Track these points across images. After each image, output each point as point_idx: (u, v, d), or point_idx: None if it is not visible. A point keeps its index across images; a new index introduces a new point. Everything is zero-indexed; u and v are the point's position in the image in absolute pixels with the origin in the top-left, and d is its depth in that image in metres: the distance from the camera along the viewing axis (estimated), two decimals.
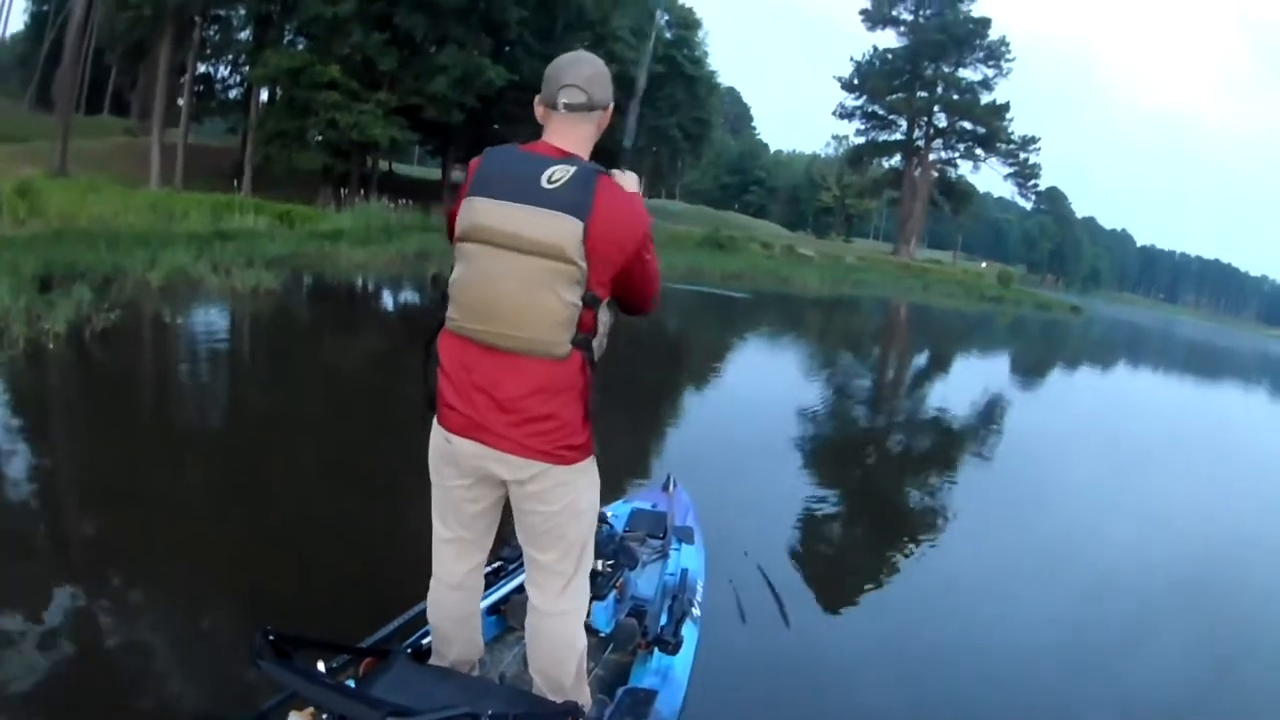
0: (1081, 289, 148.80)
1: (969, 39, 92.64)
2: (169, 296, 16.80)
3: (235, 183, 40.65)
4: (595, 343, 3.55)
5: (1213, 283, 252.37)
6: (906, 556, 9.01)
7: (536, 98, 3.64)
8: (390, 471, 8.43)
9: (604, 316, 3.57)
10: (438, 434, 3.74)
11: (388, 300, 23.77)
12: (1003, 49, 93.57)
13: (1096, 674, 6.70)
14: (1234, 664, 7.34)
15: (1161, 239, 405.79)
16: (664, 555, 5.81)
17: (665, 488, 7.11)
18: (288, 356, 15.07)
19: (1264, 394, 39.86)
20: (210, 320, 16.40)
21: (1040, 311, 69.24)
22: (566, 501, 3.70)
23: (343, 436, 10.15)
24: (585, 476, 3.74)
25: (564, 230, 3.31)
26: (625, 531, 5.96)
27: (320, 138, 44.99)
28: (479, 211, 3.43)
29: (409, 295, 25.38)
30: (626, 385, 12.41)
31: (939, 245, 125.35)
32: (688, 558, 6.04)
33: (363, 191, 45.57)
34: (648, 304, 3.84)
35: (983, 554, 9.44)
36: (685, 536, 6.33)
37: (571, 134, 3.60)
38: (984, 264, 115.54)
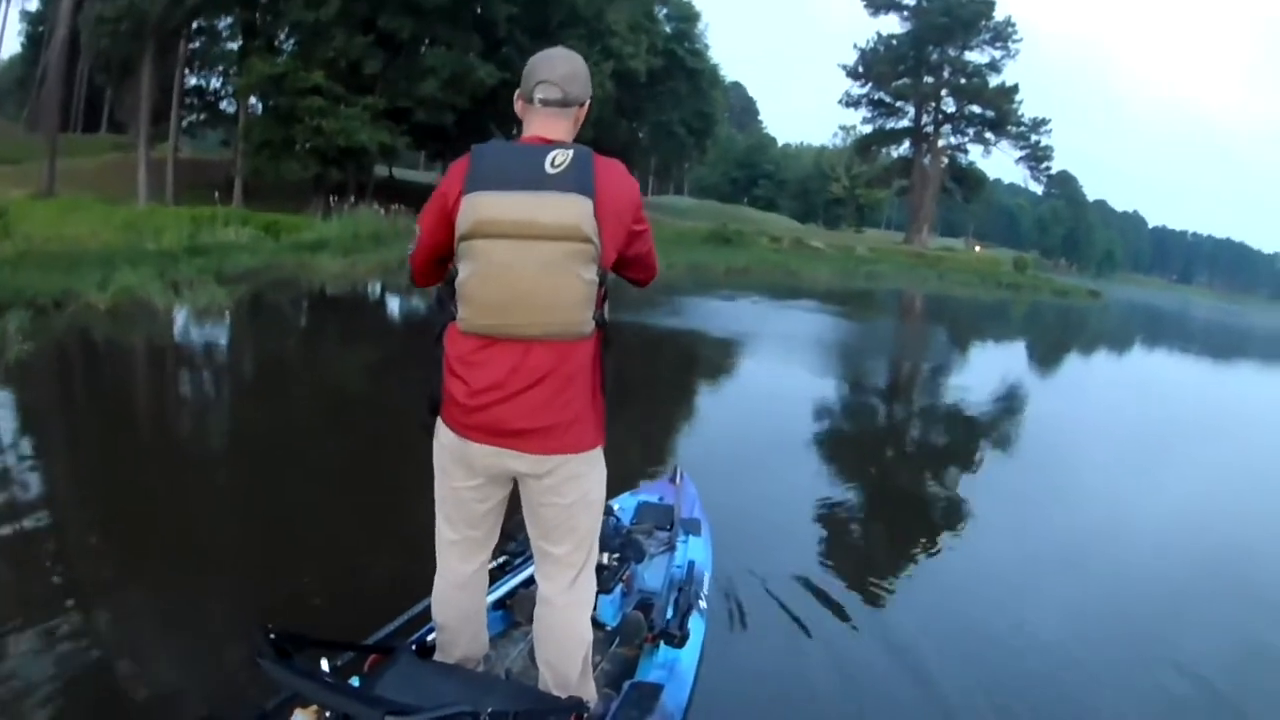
0: (1096, 272, 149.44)
1: (974, 21, 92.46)
2: (113, 319, 15.74)
3: (220, 195, 39.92)
4: (607, 318, 3.68)
5: (1226, 262, 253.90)
6: (950, 548, 9.07)
7: (516, 92, 3.76)
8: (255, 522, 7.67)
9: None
10: (447, 435, 3.76)
11: (342, 315, 22.48)
12: (1009, 30, 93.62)
13: (1129, 669, 6.59)
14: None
15: (1173, 220, 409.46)
16: (671, 548, 5.90)
17: (672, 479, 7.10)
18: (191, 385, 13.87)
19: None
20: (130, 347, 15.14)
21: (1059, 298, 69.37)
22: (580, 494, 3.80)
23: (208, 477, 9.06)
24: (596, 468, 3.85)
25: (578, 210, 3.40)
26: (632, 524, 6.06)
27: (307, 145, 44.03)
28: (485, 206, 3.43)
29: (371, 308, 24.52)
30: None
31: (951, 233, 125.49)
32: (695, 550, 6.01)
33: (353, 198, 44.49)
34: (652, 271, 4.02)
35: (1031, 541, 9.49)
36: (692, 528, 6.29)
37: (551, 128, 3.66)
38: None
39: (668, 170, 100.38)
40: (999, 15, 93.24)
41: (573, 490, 3.77)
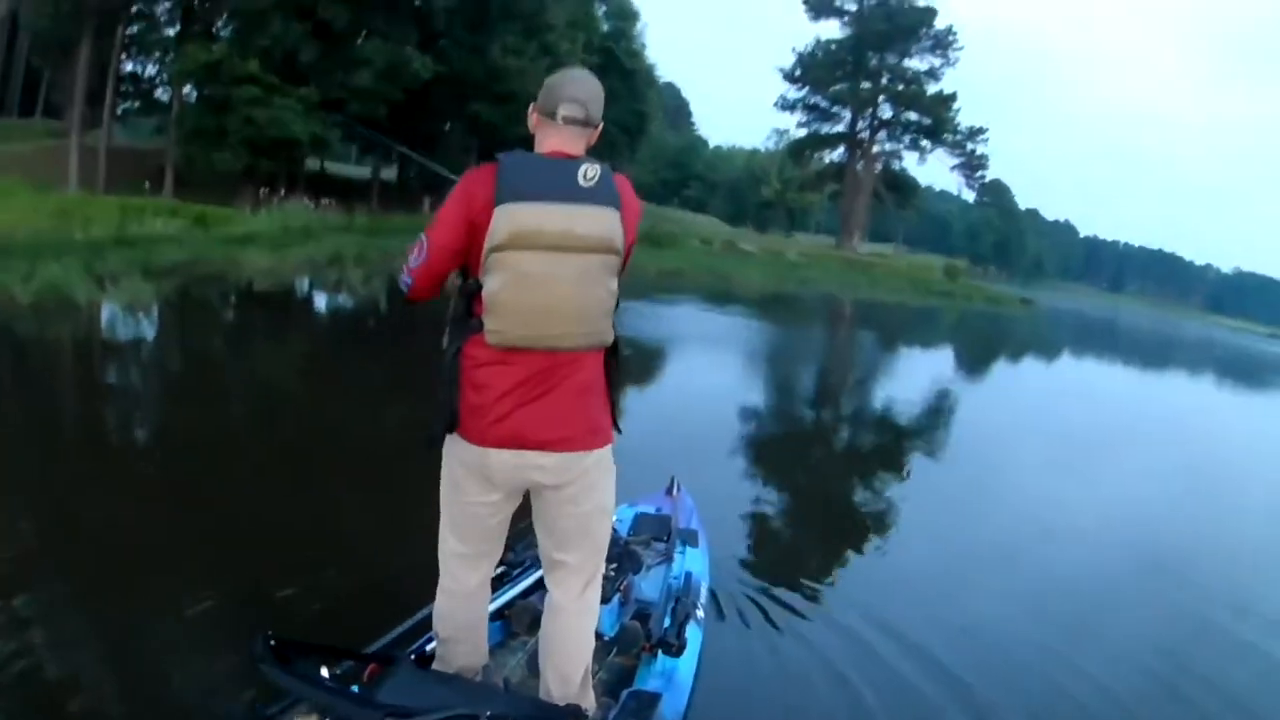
0: (1025, 280, 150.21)
1: (915, 28, 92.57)
2: (35, 314, 15.16)
3: (149, 184, 39.43)
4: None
5: (1157, 272, 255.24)
6: (908, 549, 9.44)
7: (532, 105, 3.80)
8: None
9: None
10: (466, 450, 3.76)
11: (269, 313, 21.45)
12: (950, 38, 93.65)
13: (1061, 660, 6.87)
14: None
15: (1104, 230, 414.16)
16: (668, 558, 5.96)
17: (669, 491, 7.15)
18: (105, 389, 12.87)
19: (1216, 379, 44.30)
20: (49, 345, 14.32)
21: (992, 305, 69.70)
22: (596, 502, 3.92)
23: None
24: (609, 475, 3.96)
25: (611, 223, 3.54)
26: (630, 535, 6.15)
27: (239, 135, 43.02)
28: (522, 217, 3.44)
29: (298, 305, 23.79)
30: None
31: (881, 238, 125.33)
32: (692, 560, 6.08)
33: (283, 191, 44.12)
34: None
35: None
36: (689, 539, 6.39)
37: (572, 145, 3.70)
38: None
39: None
40: (940, 23, 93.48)
41: (589, 499, 3.88)
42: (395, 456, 9.47)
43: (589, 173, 3.53)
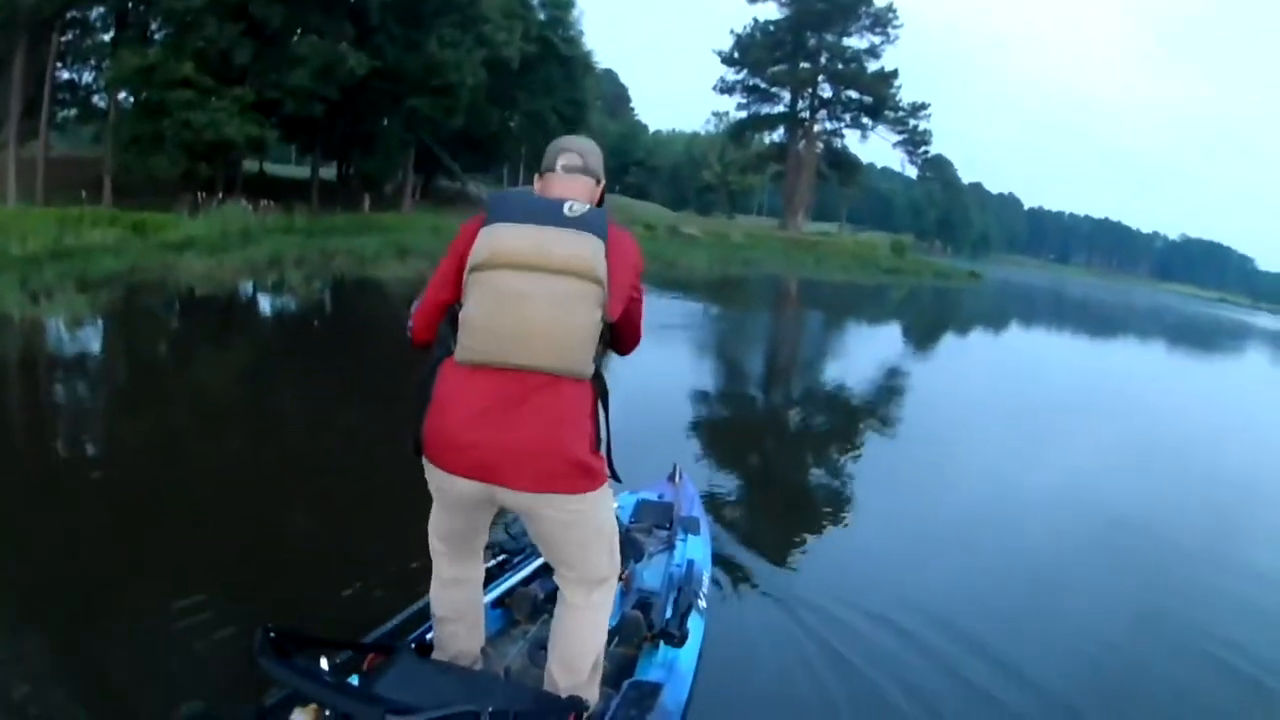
0: (971, 254, 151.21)
1: (854, 6, 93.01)
2: None
3: (85, 193, 38.90)
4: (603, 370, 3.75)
5: (1104, 241, 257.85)
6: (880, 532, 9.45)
7: (536, 175, 4.02)
8: None
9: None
10: (434, 472, 3.72)
11: (209, 321, 20.71)
12: (889, 15, 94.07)
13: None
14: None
15: (1049, 201, 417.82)
16: (670, 546, 6.00)
17: (671, 478, 7.26)
18: (32, 412, 12.20)
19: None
20: None
21: (941, 280, 70.64)
22: (591, 527, 3.80)
23: None
24: (602, 499, 3.81)
25: (591, 248, 3.53)
26: (631, 523, 6.14)
27: (177, 140, 42.43)
28: (501, 236, 3.54)
29: (239, 310, 22.97)
30: None
31: (825, 217, 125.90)
32: (694, 549, 6.10)
33: (221, 194, 43.47)
34: (637, 338, 4.04)
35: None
36: (691, 527, 6.42)
37: (570, 190, 3.83)
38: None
39: (539, 159, 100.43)
40: (879, 1, 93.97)
41: (578, 525, 3.77)
42: (345, 459, 9.50)
43: (575, 207, 3.61)
